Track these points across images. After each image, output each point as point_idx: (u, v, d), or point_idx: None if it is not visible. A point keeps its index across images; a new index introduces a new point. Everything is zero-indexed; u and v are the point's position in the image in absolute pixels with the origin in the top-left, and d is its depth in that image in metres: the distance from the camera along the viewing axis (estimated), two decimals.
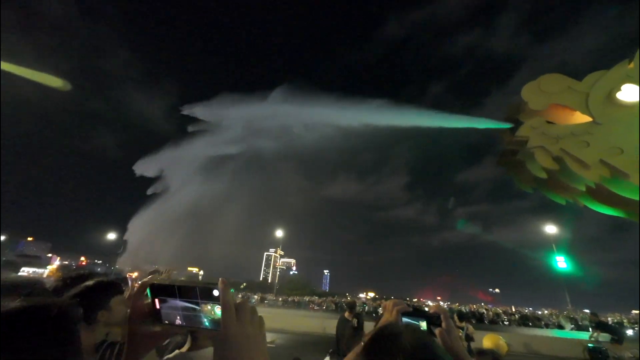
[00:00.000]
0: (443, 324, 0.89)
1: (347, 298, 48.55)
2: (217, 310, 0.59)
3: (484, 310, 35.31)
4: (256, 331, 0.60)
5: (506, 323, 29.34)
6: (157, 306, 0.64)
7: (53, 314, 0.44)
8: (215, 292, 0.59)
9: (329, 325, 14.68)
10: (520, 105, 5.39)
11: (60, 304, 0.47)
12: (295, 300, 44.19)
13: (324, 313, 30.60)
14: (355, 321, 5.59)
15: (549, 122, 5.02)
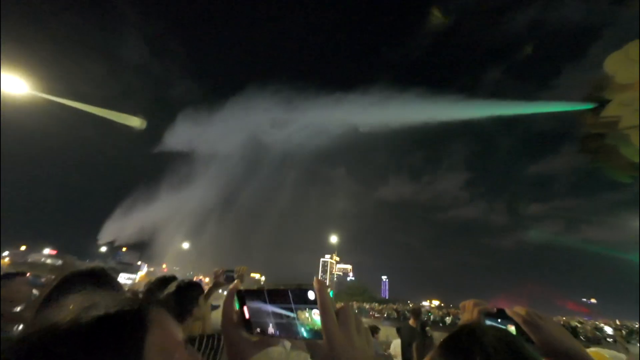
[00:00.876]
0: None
1: (409, 305, 46.28)
2: (315, 316, 0.49)
3: (577, 324, 29.97)
4: (364, 342, 0.48)
5: (610, 340, 24.37)
6: (247, 315, 0.58)
7: (127, 321, 0.42)
8: (311, 295, 0.49)
9: (391, 333, 14.13)
10: (605, 80, 4.61)
11: (136, 308, 0.44)
12: (355, 305, 43.63)
13: (385, 321, 29.56)
14: (422, 329, 5.30)
15: None
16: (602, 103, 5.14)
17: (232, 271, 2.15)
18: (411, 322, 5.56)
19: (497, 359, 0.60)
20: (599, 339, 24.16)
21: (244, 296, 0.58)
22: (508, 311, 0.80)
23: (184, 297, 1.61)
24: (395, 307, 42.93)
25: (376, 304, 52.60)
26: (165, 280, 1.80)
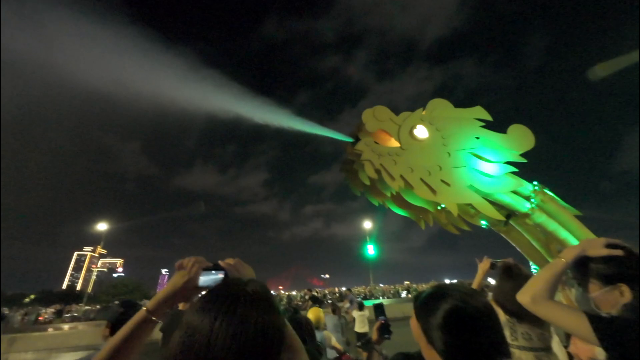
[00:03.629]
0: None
1: None
2: None
3: (316, 293, 41.53)
4: None
5: (329, 301, 35.79)
6: None
7: None
8: None
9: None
10: (360, 125, 6.68)
11: None
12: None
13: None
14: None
15: (375, 142, 6.49)
16: (357, 140, 7.60)
17: None
18: (181, 306, 5.29)
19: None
20: (323, 302, 34.70)
21: None
22: (221, 263, 0.93)
23: None
24: None
25: (146, 301, 46.44)
26: None
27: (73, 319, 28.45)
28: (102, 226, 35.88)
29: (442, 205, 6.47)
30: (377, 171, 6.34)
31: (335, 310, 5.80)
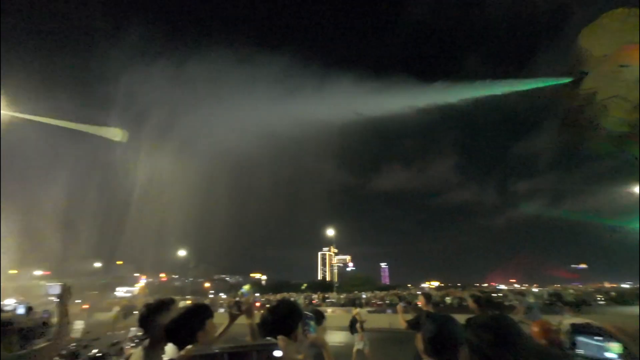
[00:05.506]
0: None
1: (410, 290, 47.30)
2: None
3: (572, 290, 31.23)
4: None
5: (602, 302, 25.57)
6: None
7: None
8: (277, 354, 0.38)
9: (394, 321, 14.50)
10: (581, 54, 4.69)
11: None
12: (360, 296, 44.30)
13: (388, 309, 30.06)
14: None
15: (620, 66, 4.29)
16: (580, 77, 5.27)
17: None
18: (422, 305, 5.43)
19: None
20: (588, 304, 25.18)
21: None
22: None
23: (188, 322, 1.51)
24: (397, 292, 43.73)
25: (377, 292, 53.49)
26: (164, 304, 1.75)
27: (332, 304, 38.11)
28: (330, 231, 46.89)
29: None
30: (636, 108, 4.09)
31: None
